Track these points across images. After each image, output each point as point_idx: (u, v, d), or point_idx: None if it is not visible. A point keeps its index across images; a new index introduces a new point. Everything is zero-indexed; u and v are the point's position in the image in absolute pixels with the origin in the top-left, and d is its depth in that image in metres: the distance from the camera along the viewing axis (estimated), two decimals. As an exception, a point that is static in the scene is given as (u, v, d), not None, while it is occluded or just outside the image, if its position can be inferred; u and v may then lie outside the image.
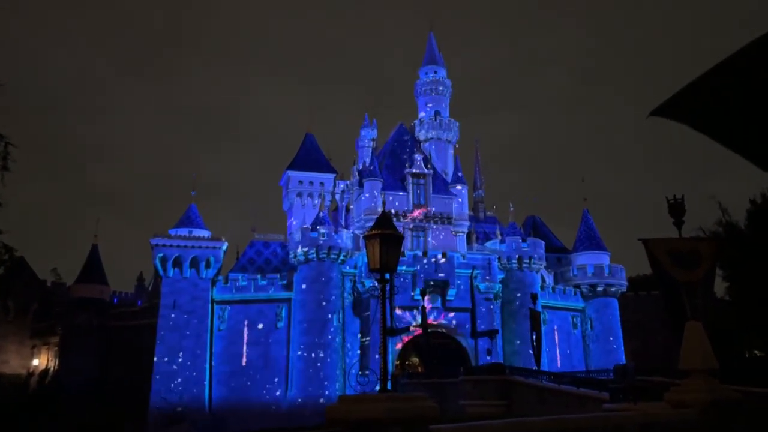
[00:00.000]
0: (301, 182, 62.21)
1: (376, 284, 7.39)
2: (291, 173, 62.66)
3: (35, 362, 68.93)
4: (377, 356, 47.33)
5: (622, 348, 57.08)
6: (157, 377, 47.69)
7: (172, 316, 49.06)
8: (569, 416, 9.57)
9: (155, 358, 48.22)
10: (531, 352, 40.83)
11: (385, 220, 7.70)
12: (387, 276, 7.57)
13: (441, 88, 63.47)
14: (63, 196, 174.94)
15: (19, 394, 60.20)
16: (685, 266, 14.23)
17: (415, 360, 53.10)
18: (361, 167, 58.07)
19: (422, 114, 62.95)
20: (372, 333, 47.01)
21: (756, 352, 51.61)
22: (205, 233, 52.93)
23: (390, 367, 44.20)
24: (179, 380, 47.55)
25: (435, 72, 64.12)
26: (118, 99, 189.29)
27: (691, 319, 13.44)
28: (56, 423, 50.86)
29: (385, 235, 7.58)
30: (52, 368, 66.44)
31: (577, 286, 57.98)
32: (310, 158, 63.71)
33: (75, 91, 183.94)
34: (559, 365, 53.45)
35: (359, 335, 49.75)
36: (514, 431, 8.51)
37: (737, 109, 3.26)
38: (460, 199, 55.06)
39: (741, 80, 3.02)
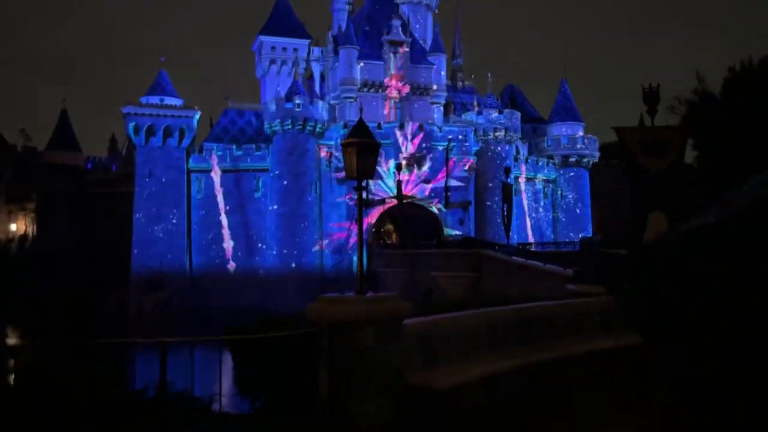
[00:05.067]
0: (274, 48, 60.12)
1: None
2: (263, 38, 60.35)
3: (13, 227, 69.41)
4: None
5: (590, 219, 59.12)
6: (137, 244, 48.65)
7: (149, 184, 49.19)
8: (531, 305, 10.25)
9: (134, 227, 48.91)
10: (502, 223, 42.14)
11: (361, 128, 7.77)
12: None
13: (421, -54, 60.02)
14: (23, 62, 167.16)
15: (0, 258, 61.13)
16: (655, 154, 14.58)
17: (390, 227, 54.65)
18: (336, 33, 56.15)
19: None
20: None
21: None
22: (178, 101, 51.87)
23: (365, 247, 45.48)
24: (159, 248, 48.61)
25: (415, -72, 60.31)
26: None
27: (656, 208, 14.03)
28: (38, 288, 52.14)
29: (362, 144, 7.68)
30: (30, 234, 67.09)
31: (550, 157, 58.88)
32: (283, 22, 61.10)
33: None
34: (529, 234, 55.46)
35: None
36: (479, 320, 9.14)
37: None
38: (438, 69, 54.10)
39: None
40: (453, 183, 50.24)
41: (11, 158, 72.71)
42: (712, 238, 2.28)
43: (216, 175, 50.11)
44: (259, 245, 49.59)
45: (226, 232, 49.91)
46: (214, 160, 50.07)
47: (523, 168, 56.55)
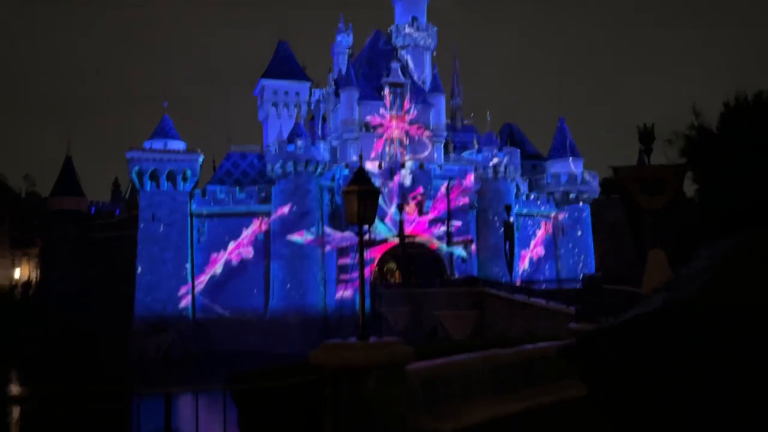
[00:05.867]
0: (276, 92, 61.10)
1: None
2: (265, 82, 61.37)
3: (16, 273, 69.55)
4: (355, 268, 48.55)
5: (593, 254, 59.08)
6: (140, 288, 48.62)
7: (152, 228, 49.42)
8: (534, 346, 10.28)
9: (137, 270, 48.95)
10: (504, 261, 42.18)
11: (361, 176, 7.95)
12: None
13: (418, -9, 61.34)
14: (26, 108, 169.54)
15: (3, 305, 61.05)
16: (651, 193, 14.72)
17: (392, 266, 54.62)
18: (337, 76, 57.05)
19: (399, 19, 61.17)
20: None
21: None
22: (181, 145, 52.45)
23: (368, 287, 45.46)
24: (162, 291, 48.55)
25: (412, -26, 61.73)
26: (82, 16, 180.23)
27: (654, 246, 14.11)
28: (42, 334, 51.95)
29: (362, 191, 7.85)
30: (34, 279, 67.18)
31: (550, 193, 59.15)
32: (285, 66, 62.23)
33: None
34: (531, 271, 55.39)
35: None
36: (482, 363, 9.18)
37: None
38: (437, 109, 54.76)
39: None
40: (454, 221, 50.45)
41: (15, 204, 73.32)
42: (649, 327, 2.51)
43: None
44: (259, 288, 49.52)
45: (228, 274, 49.89)
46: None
47: (524, 205, 56.80)
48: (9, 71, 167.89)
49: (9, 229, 69.70)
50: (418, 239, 49.48)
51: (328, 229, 48.75)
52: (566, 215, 58.96)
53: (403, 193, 48.59)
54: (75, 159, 67.84)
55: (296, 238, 47.87)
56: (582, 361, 3.08)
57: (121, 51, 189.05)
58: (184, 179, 50.41)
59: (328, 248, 48.95)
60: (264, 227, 50.18)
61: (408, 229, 47.45)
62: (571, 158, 60.73)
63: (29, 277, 68.33)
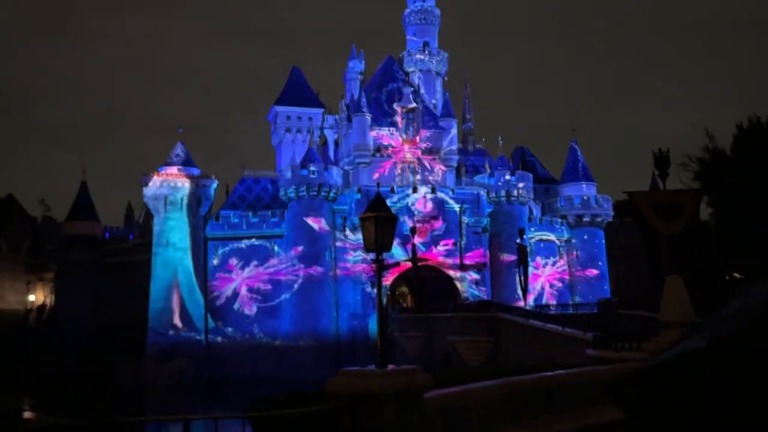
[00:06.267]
0: (289, 117, 61.74)
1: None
2: (278, 108, 62.05)
3: (32, 298, 70.02)
4: (369, 291, 48.49)
5: (607, 277, 58.61)
6: (153, 313, 48.70)
7: (166, 253, 49.64)
8: (552, 373, 10.19)
9: (150, 296, 49.08)
10: (518, 285, 41.92)
11: (379, 203, 7.96)
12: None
13: (430, 17, 62.13)
14: (41, 134, 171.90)
15: (19, 329, 61.38)
16: (666, 218, 14.63)
17: (405, 290, 54.44)
18: (349, 102, 57.58)
19: (411, 45, 61.87)
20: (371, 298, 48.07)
21: (735, 274, 53.15)
22: (195, 171, 52.87)
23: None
24: (175, 317, 48.59)
25: (423, 0, 62.58)
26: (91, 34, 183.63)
27: (671, 272, 13.99)
28: (54, 359, 52.00)
29: (379, 218, 7.87)
30: (48, 304, 67.57)
31: (563, 217, 58.91)
32: (298, 93, 62.95)
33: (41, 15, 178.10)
34: (545, 296, 55.02)
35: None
36: (500, 391, 9.11)
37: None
38: (449, 133, 55.03)
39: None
40: (467, 244, 50.31)
41: (31, 229, 74.07)
42: (699, 364, 2.51)
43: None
44: (272, 313, 49.46)
45: (242, 300, 49.93)
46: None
47: (538, 229, 56.59)
48: (26, 98, 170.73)
49: (25, 256, 70.39)
50: (430, 263, 49.37)
51: (348, 234, 48.74)
52: (580, 239, 58.65)
53: (416, 217, 48.61)
54: (89, 185, 68.50)
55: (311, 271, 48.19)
56: (629, 397, 3.06)
57: (137, 78, 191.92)
58: (198, 204, 50.76)
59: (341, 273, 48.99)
60: (277, 251, 50.24)
61: (420, 253, 47.37)
62: (584, 182, 60.61)
63: (44, 302, 68.75)
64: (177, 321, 48.60)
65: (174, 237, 49.88)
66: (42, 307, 68.59)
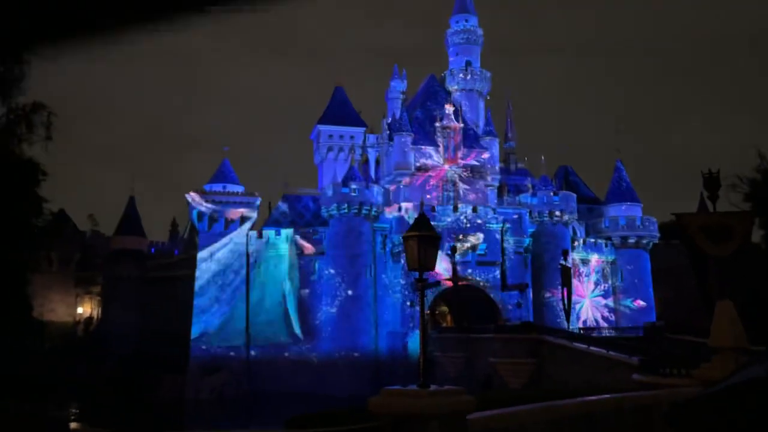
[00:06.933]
0: (331, 136, 62.46)
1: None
2: (321, 127, 62.84)
3: (80, 310, 71.92)
4: (408, 310, 48.30)
5: (653, 301, 57.14)
6: (196, 327, 49.45)
7: (210, 268, 50.47)
8: (598, 398, 9.98)
9: (194, 310, 49.88)
10: (561, 307, 41.22)
11: (422, 222, 7.97)
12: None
13: (472, 37, 62.23)
14: (91, 153, 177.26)
15: (67, 340, 63.02)
16: (716, 240, 14.26)
17: (445, 309, 54.07)
18: (390, 120, 57.93)
19: (453, 64, 62.03)
20: (410, 316, 47.95)
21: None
22: (239, 188, 53.80)
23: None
24: (217, 331, 49.23)
25: (466, 20, 62.73)
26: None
27: (722, 297, 13.60)
28: (99, 371, 53.07)
29: (422, 237, 7.88)
30: (95, 316, 69.29)
31: (608, 238, 57.78)
32: (340, 112, 63.67)
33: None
34: (589, 318, 53.92)
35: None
36: (545, 415, 8.95)
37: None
38: (490, 152, 54.80)
39: None
40: (509, 264, 49.81)
41: (80, 244, 76.24)
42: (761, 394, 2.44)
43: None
44: (312, 329, 49.67)
45: (284, 316, 50.29)
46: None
47: (581, 250, 55.61)
48: (77, 120, 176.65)
49: (75, 269, 72.47)
50: (470, 282, 48.98)
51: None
52: (624, 261, 57.41)
53: (457, 236, 48.35)
54: (136, 201, 70.25)
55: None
56: (686, 425, 3.00)
57: (183, 98, 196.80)
58: (242, 221, 51.57)
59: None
60: (317, 268, 50.58)
61: (461, 272, 47.04)
62: (629, 202, 59.49)
63: (91, 314, 70.52)
64: (218, 335, 49.23)
65: (218, 252, 50.71)
66: (89, 319, 70.34)
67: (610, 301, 56.86)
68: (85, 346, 61.94)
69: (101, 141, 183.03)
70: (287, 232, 51.93)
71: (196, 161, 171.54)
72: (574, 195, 55.08)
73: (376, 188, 51.01)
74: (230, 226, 51.34)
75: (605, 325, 51.01)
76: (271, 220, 56.70)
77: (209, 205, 51.12)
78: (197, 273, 50.78)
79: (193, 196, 51.50)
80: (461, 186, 53.52)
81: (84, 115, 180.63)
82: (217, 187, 53.19)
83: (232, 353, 49.01)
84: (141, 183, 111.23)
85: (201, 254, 51.11)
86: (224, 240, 51.04)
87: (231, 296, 50.26)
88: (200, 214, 51.23)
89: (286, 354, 49.16)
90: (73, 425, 35.71)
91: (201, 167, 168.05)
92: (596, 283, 56.34)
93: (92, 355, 57.28)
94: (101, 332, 63.48)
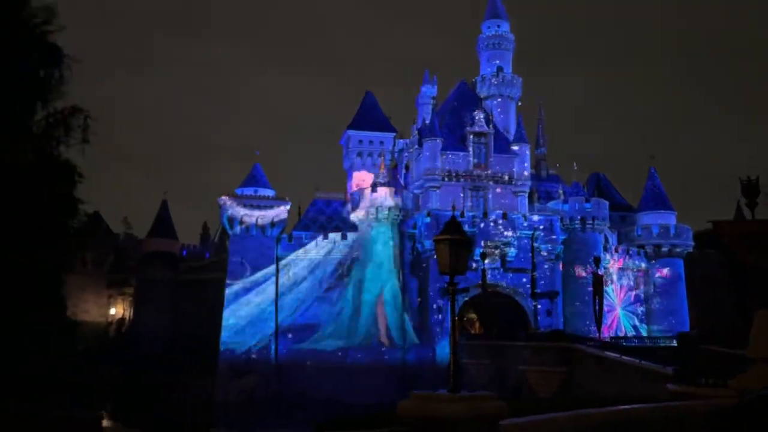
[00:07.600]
0: (360, 141, 62.64)
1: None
2: (351, 132, 63.07)
3: (112, 311, 73.18)
4: (437, 316, 48.09)
5: (686, 310, 55.92)
6: (226, 330, 49.89)
7: (240, 271, 50.94)
8: (631, 407, 9.79)
9: (224, 313, 50.34)
10: (592, 315, 40.59)
11: (454, 226, 7.93)
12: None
13: (504, 42, 61.83)
14: (125, 157, 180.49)
15: (99, 341, 64.08)
16: (755, 249, 13.92)
17: (473, 316, 53.69)
18: (420, 126, 57.86)
19: (484, 70, 61.70)
20: (438, 323, 47.73)
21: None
22: (270, 192, 54.29)
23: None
24: (247, 334, 49.62)
25: (498, 26, 62.34)
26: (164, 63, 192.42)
27: (761, 306, 13.26)
28: (131, 374, 53.71)
29: (454, 240, 7.82)
30: (128, 317, 70.40)
31: (641, 246, 56.81)
32: (370, 117, 63.80)
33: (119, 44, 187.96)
34: (621, 327, 53.04)
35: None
36: (578, 423, 8.80)
37: None
38: (521, 158, 54.35)
39: None
40: (539, 272, 49.29)
41: (114, 246, 77.65)
42: None
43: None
44: (342, 334, 49.67)
45: (312, 320, 50.47)
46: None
47: (613, 258, 54.75)
48: (114, 125, 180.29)
49: (107, 271, 73.83)
50: (500, 289, 48.59)
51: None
52: (658, 269, 56.37)
53: (486, 242, 47.98)
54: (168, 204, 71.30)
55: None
56: (744, 426, 2.91)
57: (217, 105, 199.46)
58: (273, 225, 51.97)
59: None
60: (347, 272, 50.71)
61: (490, 279, 46.68)
62: (662, 210, 58.42)
63: (123, 315, 71.69)
64: (248, 338, 49.61)
65: (249, 255, 51.20)
66: (121, 320, 71.52)
67: (642, 310, 55.88)
68: (117, 347, 62.91)
69: (137, 147, 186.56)
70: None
71: (225, 168, 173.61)
72: (606, 202, 54.28)
73: (405, 193, 51.08)
74: (260, 229, 51.69)
75: (637, 334, 50.12)
76: (300, 224, 57.08)
77: (241, 209, 51.63)
78: (228, 276, 51.13)
79: (225, 200, 52.13)
80: (491, 192, 53.16)
81: (121, 121, 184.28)
82: (249, 191, 53.76)
83: (261, 356, 49.25)
84: (172, 187, 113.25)
85: (232, 257, 51.48)
86: (255, 244, 51.42)
87: (261, 299, 50.62)
88: (231, 218, 51.78)
89: (317, 357, 49.13)
90: (105, 424, 36.21)
91: (231, 173, 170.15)
92: (628, 292, 55.40)
93: (124, 355, 58.13)
94: (133, 333, 64.44)
